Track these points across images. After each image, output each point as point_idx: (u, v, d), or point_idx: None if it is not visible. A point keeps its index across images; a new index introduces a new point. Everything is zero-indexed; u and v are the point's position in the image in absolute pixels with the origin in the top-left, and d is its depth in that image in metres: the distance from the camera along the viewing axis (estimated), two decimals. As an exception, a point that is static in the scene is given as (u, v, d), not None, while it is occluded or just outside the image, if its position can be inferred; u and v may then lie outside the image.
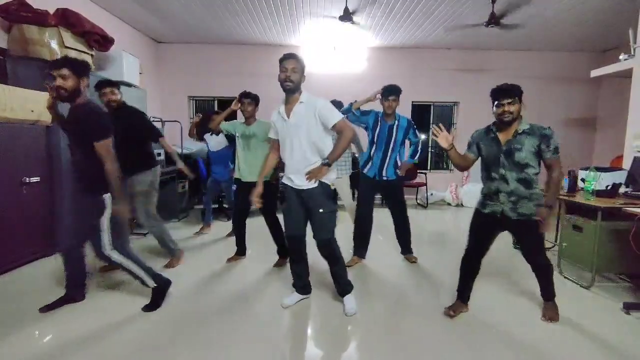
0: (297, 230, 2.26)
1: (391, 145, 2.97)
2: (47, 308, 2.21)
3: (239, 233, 3.15)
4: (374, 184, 3.04)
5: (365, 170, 3.04)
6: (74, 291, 2.31)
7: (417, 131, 3.08)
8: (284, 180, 2.27)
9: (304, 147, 2.10)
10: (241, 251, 3.20)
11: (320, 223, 2.17)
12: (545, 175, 2.00)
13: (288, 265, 2.56)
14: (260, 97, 3.11)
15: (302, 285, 2.41)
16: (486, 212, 2.09)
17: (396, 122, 2.98)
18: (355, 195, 3.63)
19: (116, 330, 2.03)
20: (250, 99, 2.98)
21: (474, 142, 2.15)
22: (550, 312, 2.21)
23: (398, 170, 3.04)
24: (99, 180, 2.05)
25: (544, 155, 1.96)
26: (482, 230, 2.16)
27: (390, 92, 2.90)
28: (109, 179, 2.03)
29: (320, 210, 2.14)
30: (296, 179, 2.17)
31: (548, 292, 2.25)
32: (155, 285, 2.30)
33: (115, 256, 2.17)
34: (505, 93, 1.94)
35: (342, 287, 2.33)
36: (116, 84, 2.78)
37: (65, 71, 1.93)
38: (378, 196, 3.28)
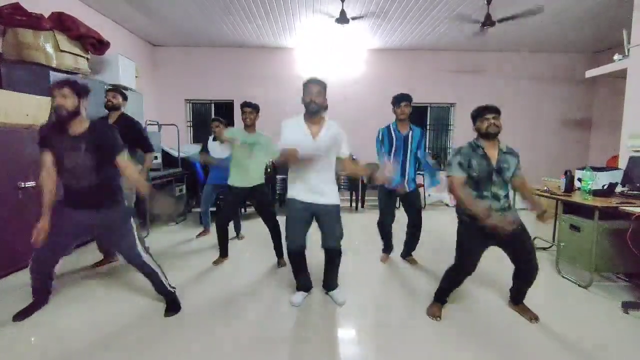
0: (302, 245, 2.37)
1: (408, 156, 2.97)
2: (23, 315, 2.17)
3: (224, 236, 3.16)
4: (394, 194, 3.04)
5: (386, 185, 2.96)
6: (42, 297, 2.30)
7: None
8: (295, 196, 2.31)
9: (329, 166, 2.32)
10: (225, 253, 3.23)
11: (336, 233, 2.35)
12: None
13: (283, 265, 3.07)
14: (256, 99, 3.14)
15: (307, 286, 2.55)
16: (480, 224, 1.99)
17: (410, 131, 2.96)
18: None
19: (116, 331, 2.01)
20: (251, 107, 3.02)
21: (466, 160, 2.05)
22: (530, 312, 2.23)
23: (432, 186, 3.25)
24: (118, 188, 2.16)
25: (517, 172, 2.11)
26: (478, 241, 2.09)
27: (402, 98, 2.91)
28: (139, 182, 2.14)
29: (337, 222, 2.34)
30: (319, 195, 2.27)
31: (524, 295, 2.27)
32: (174, 287, 2.35)
33: (149, 261, 2.22)
34: (490, 110, 2.04)
35: (334, 283, 2.53)
36: (119, 90, 2.91)
37: (66, 91, 1.92)
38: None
